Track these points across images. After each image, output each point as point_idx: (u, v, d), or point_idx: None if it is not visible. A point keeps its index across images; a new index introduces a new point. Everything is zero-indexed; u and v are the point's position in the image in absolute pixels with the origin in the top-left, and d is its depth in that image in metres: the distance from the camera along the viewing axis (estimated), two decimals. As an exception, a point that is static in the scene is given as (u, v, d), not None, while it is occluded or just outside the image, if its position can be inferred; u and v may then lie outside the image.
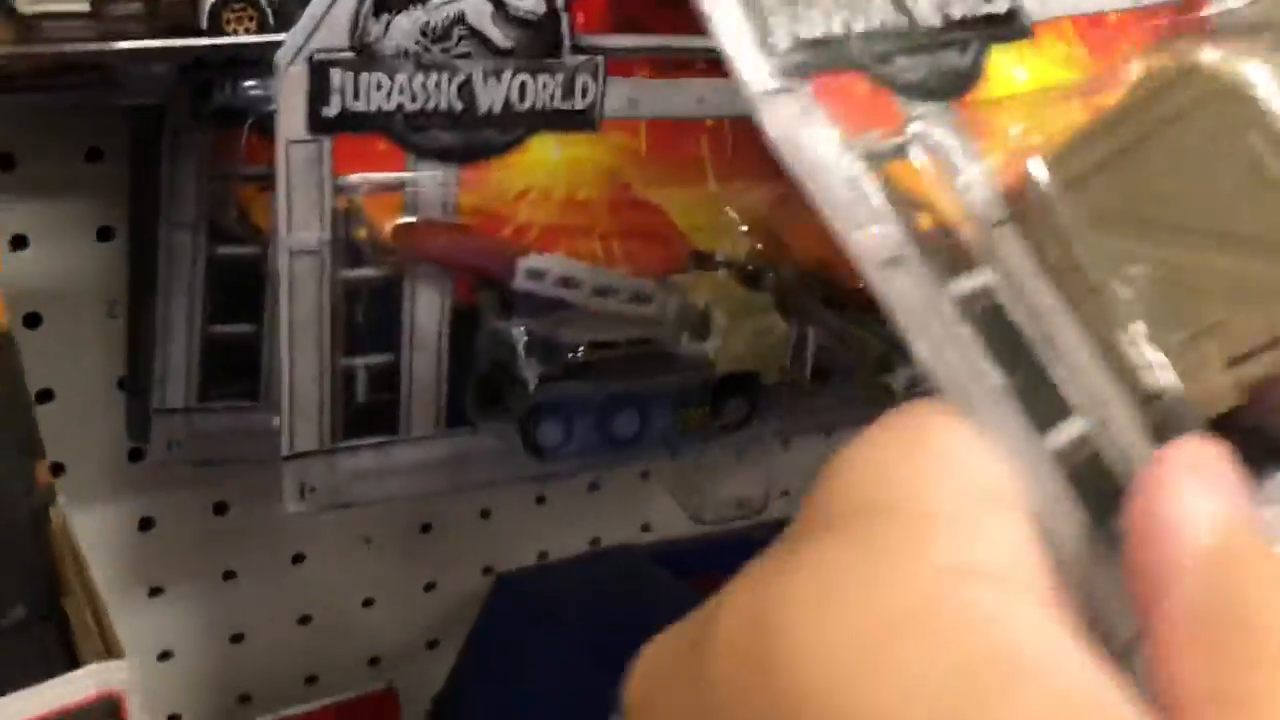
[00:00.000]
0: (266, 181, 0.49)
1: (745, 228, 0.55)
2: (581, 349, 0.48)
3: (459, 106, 0.48)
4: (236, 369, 0.59)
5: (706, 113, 0.53)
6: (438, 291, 0.50)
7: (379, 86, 0.47)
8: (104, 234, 0.60)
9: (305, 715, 0.66)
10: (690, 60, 0.52)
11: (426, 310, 0.51)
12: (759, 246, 0.54)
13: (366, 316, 0.50)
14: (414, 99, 0.48)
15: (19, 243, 0.58)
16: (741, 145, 0.54)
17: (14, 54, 0.49)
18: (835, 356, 0.55)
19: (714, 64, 0.52)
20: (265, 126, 0.51)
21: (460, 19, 0.47)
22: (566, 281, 0.49)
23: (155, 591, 0.66)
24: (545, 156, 0.51)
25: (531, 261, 0.49)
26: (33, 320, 0.59)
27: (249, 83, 0.55)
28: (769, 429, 0.53)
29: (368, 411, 0.51)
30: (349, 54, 0.46)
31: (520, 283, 0.49)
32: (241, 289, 0.58)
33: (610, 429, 0.51)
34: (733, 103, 0.54)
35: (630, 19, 0.51)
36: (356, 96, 0.47)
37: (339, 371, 0.50)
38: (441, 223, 0.48)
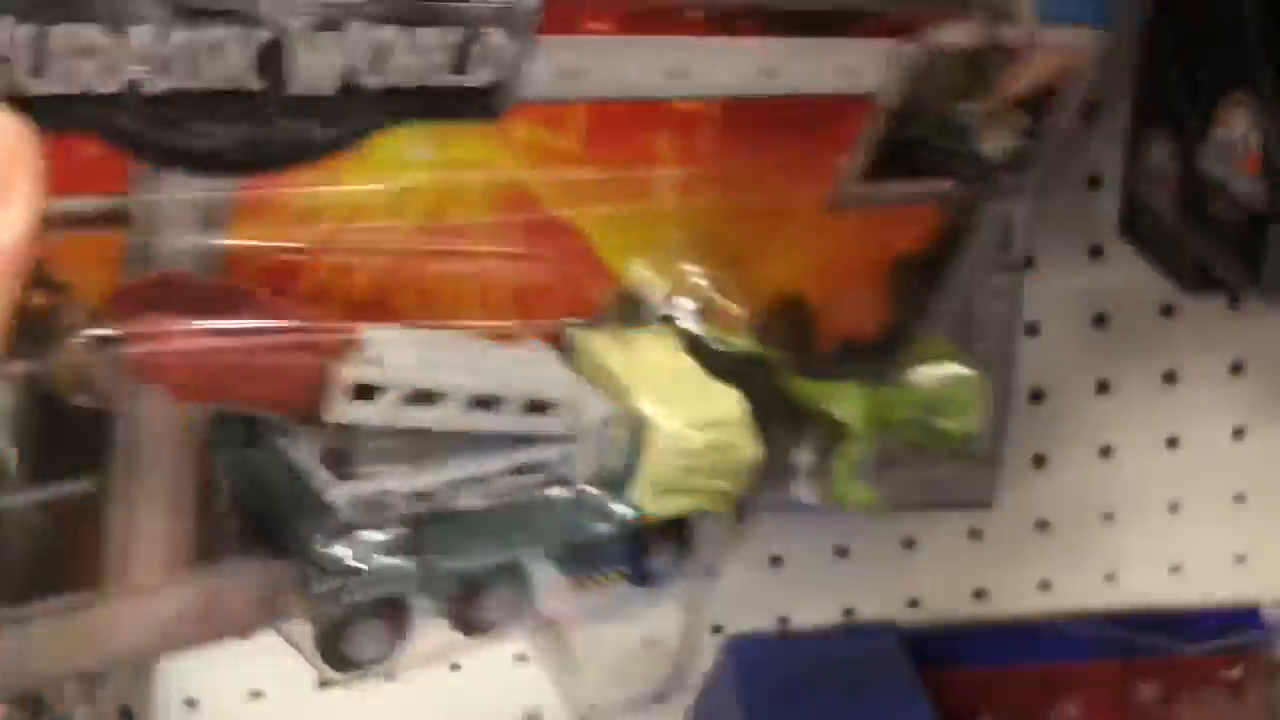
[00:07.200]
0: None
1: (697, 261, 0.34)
2: (397, 501, 0.28)
3: (255, 85, 0.24)
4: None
5: (678, 90, 0.31)
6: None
7: (92, 52, 0.22)
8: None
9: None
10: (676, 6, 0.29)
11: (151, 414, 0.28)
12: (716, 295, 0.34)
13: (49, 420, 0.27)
14: (165, 71, 0.23)
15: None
16: (733, 146, 0.32)
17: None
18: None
19: (715, 16, 0.30)
20: None
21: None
22: (419, 398, 0.28)
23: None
24: (394, 160, 0.27)
25: (359, 370, 0.26)
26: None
27: None
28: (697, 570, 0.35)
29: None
30: (31, -11, 0.21)
31: (343, 413, 0.27)
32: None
33: (470, 615, 0.31)
34: (723, 77, 0.31)
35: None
36: (38, 72, 0.22)
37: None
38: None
